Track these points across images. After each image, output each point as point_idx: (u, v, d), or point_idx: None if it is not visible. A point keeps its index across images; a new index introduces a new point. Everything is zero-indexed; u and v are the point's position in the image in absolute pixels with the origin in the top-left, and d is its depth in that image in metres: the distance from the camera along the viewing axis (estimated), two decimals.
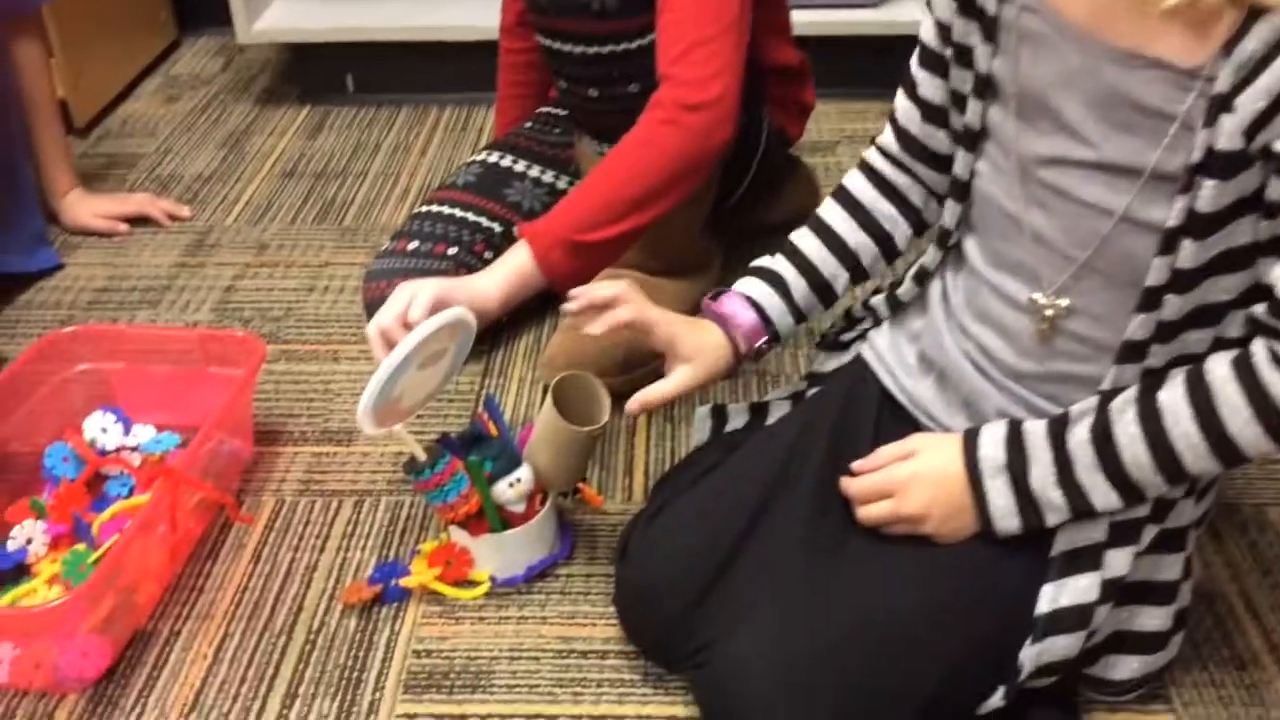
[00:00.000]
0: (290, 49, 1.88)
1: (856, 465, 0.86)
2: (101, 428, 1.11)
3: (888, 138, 0.93)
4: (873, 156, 0.94)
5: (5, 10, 1.39)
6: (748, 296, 0.93)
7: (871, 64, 1.77)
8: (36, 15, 1.44)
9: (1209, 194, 0.70)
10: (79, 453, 1.08)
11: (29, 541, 1.02)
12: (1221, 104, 0.67)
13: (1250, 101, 0.66)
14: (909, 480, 0.82)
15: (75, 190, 1.51)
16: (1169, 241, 0.72)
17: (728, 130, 1.04)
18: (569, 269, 0.99)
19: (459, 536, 1.00)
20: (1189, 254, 0.72)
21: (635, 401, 0.89)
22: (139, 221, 1.53)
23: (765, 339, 0.92)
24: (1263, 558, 1.02)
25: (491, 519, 0.98)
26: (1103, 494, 0.76)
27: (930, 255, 0.90)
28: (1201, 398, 0.73)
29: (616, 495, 1.10)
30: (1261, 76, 0.65)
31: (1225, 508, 1.06)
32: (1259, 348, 0.72)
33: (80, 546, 1.01)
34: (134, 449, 1.12)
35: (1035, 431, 0.78)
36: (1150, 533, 0.79)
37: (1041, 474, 0.77)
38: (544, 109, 1.42)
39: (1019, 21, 0.77)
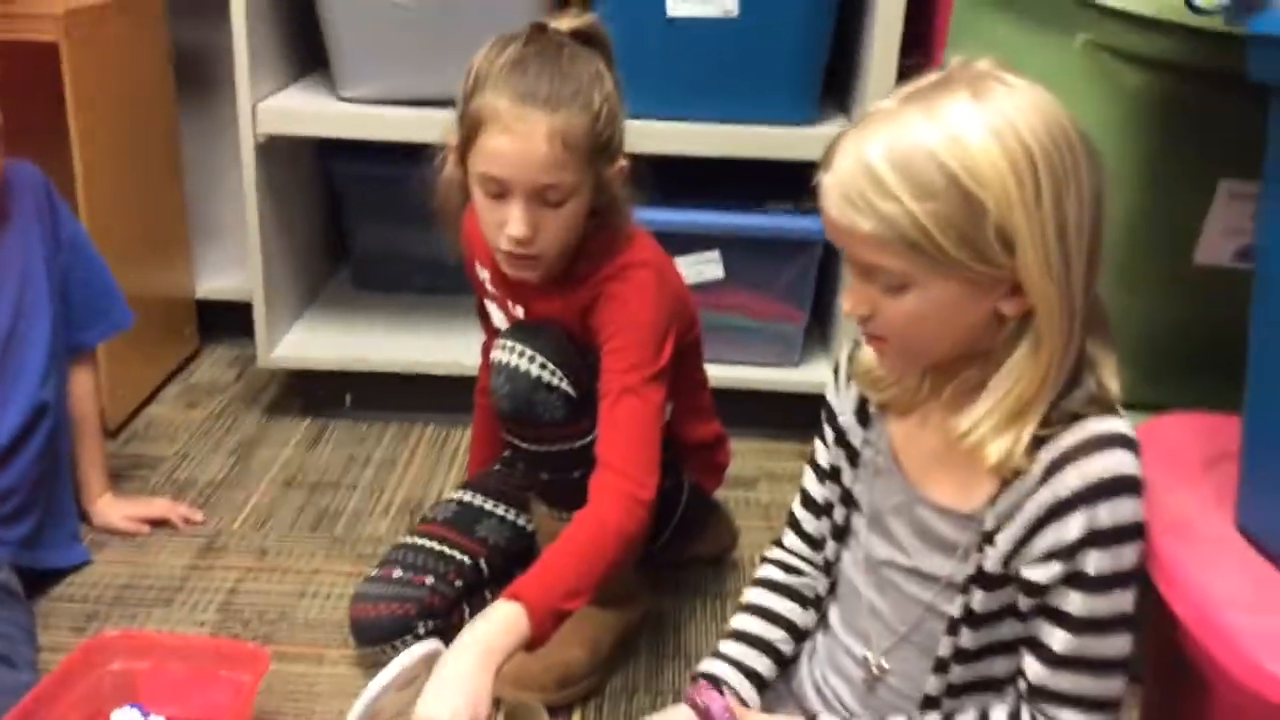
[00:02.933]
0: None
1: None
2: None
3: (790, 540, 1.20)
4: (771, 570, 1.21)
5: (72, 348, 1.70)
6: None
7: (791, 411, 2.10)
8: (93, 349, 1.76)
9: (980, 599, 0.99)
10: None
11: None
12: (987, 538, 0.98)
13: (1005, 539, 0.96)
14: None
15: (107, 494, 1.78)
16: (953, 628, 1.01)
17: (652, 513, 1.33)
18: (551, 633, 1.21)
19: None
20: (968, 639, 1.01)
21: None
22: (159, 523, 1.79)
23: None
24: None
25: None
26: None
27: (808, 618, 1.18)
28: None
29: None
30: (1012, 523, 0.96)
31: None
32: (1025, 714, 1.00)
33: None
34: None
35: None
36: None
37: None
38: (510, 455, 1.72)
39: (874, 460, 1.08)
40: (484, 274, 1.52)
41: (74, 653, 1.36)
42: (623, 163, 1.38)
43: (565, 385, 1.37)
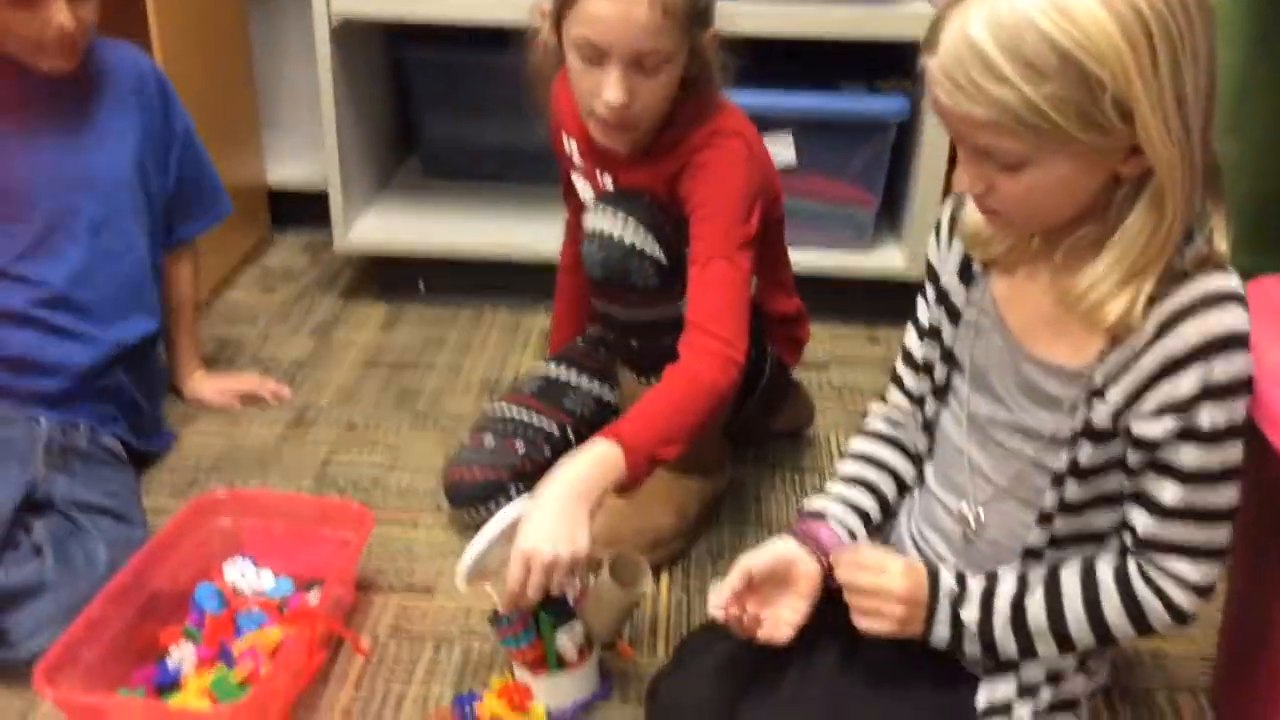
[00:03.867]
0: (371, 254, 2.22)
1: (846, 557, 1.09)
2: (241, 573, 1.40)
3: (893, 395, 1.22)
4: (874, 423, 1.23)
5: (176, 239, 1.73)
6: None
7: (859, 298, 2.12)
8: (194, 240, 1.79)
9: (1086, 453, 1.01)
10: (224, 593, 1.36)
11: (182, 661, 1.29)
12: (1097, 394, 0.99)
13: (1116, 394, 0.98)
14: (903, 569, 1.07)
15: (200, 371, 1.84)
16: (1058, 480, 1.04)
17: (742, 374, 1.35)
18: (643, 478, 1.25)
19: (522, 675, 1.28)
20: (1073, 492, 1.03)
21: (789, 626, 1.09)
22: (249, 398, 1.84)
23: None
24: None
25: (551, 662, 1.26)
26: (1004, 639, 1.05)
27: (910, 470, 1.21)
28: (1090, 591, 1.03)
29: (643, 650, 1.38)
30: (1124, 379, 0.97)
31: (1122, 688, 1.35)
32: (1131, 565, 1.03)
33: (222, 667, 1.29)
34: (260, 592, 1.40)
35: (974, 583, 1.07)
36: (1047, 692, 1.08)
37: (969, 615, 1.06)
38: (593, 330, 1.75)
39: (977, 320, 1.09)
40: (572, 145, 1.53)
41: (184, 509, 1.41)
42: (716, 29, 1.38)
43: (658, 252, 1.39)
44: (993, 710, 1.08)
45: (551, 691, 1.27)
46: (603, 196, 1.45)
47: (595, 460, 1.22)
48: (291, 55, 2.33)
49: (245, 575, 1.40)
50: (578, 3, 1.28)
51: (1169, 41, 0.86)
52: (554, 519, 1.18)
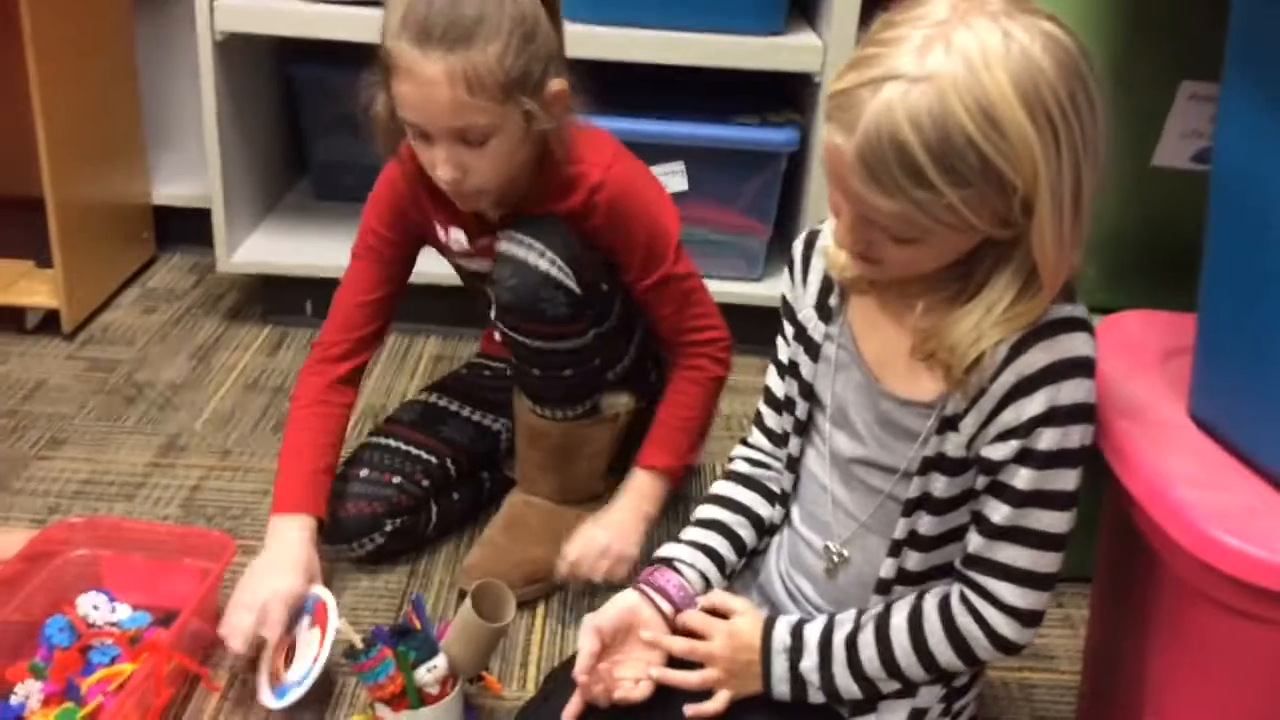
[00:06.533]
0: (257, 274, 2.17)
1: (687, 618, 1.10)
2: (94, 605, 1.34)
3: (755, 436, 1.22)
4: (735, 464, 1.22)
5: None
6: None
7: (752, 325, 2.12)
8: None
9: (940, 484, 1.02)
10: (75, 625, 1.31)
11: (27, 698, 1.24)
12: (950, 424, 1.00)
13: (969, 423, 0.99)
14: (724, 633, 1.08)
15: None
16: (908, 510, 1.04)
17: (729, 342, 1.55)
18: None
19: (383, 712, 1.24)
20: (927, 524, 1.04)
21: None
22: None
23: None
24: None
25: (411, 698, 1.23)
26: (846, 683, 1.05)
27: (771, 510, 1.21)
28: (916, 623, 1.04)
29: (513, 684, 1.36)
30: (976, 406, 0.98)
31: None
32: (954, 591, 1.03)
33: (69, 705, 1.23)
34: (114, 624, 1.35)
35: (811, 631, 1.07)
36: None
37: (809, 663, 1.06)
38: (476, 358, 1.72)
39: (835, 355, 1.10)
40: (458, 235, 1.47)
41: (37, 537, 1.36)
42: (557, 86, 1.30)
43: (571, 282, 1.37)
44: None
45: None
46: (519, 222, 1.39)
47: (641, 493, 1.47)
48: (180, 71, 2.28)
49: (99, 607, 1.34)
50: (392, 83, 1.25)
51: (1073, 148, 0.88)
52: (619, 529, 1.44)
